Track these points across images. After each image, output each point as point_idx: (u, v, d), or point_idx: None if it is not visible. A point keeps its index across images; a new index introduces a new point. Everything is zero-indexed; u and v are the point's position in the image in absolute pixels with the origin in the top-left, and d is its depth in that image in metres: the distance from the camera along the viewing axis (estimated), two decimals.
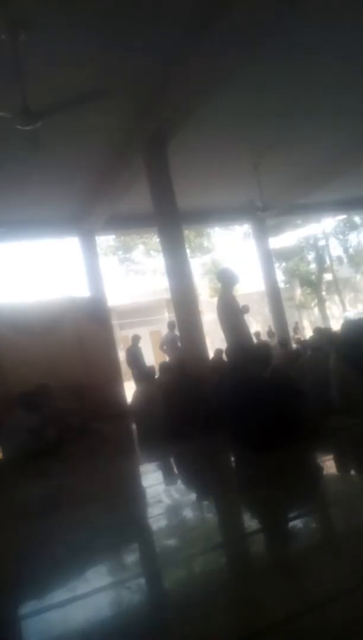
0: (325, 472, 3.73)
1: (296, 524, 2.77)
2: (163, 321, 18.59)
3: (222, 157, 8.26)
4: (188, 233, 19.69)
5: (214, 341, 12.00)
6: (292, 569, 2.18)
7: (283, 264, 25.56)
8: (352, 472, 3.74)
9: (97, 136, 6.86)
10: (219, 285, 6.86)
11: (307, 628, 1.69)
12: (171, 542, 2.80)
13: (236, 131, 7.36)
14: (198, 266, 23.68)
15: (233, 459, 4.62)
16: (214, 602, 1.99)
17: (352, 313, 22.48)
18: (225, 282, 6.35)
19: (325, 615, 1.73)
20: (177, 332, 8.23)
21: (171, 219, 7.00)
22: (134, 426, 6.56)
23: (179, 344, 8.54)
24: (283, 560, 2.34)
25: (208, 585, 2.18)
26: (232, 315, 6.08)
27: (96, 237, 11.25)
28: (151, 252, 23.43)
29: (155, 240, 19.28)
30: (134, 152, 7.20)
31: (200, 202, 10.22)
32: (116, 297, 21.56)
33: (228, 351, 6.29)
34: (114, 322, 14.88)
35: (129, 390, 8.07)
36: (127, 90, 5.76)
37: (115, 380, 8.64)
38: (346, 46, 5.72)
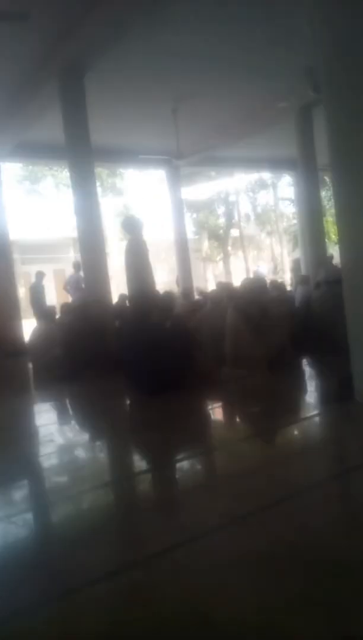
0: (211, 418, 3.98)
1: (181, 465, 2.96)
2: (69, 260, 18.08)
3: (141, 96, 7.97)
4: (101, 171, 18.97)
5: (120, 285, 11.94)
6: (173, 506, 2.35)
7: (194, 215, 25.68)
8: (236, 419, 4.03)
9: (9, 51, 6.26)
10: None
11: (181, 558, 1.85)
12: (60, 479, 2.88)
13: (157, 72, 7.11)
14: (108, 207, 23.06)
15: (127, 402, 4.75)
16: (98, 536, 2.10)
17: (264, 268, 23.19)
18: (130, 230, 6.22)
19: (198, 547, 1.91)
20: (82, 274, 8.07)
21: (83, 153, 6.69)
22: (30, 365, 6.46)
23: (83, 286, 8.40)
24: (166, 498, 2.51)
25: (93, 520, 2.30)
26: (139, 261, 6.04)
27: (1, 163, 10.49)
28: (61, 186, 22.35)
29: (65, 173, 18.38)
30: (49, 75, 6.70)
31: (115, 140, 9.85)
32: (20, 230, 20.46)
33: (131, 297, 6.31)
34: (16, 256, 14.21)
35: (29, 328, 7.86)
36: (48, 9, 5.28)
37: (12, 316, 8.37)
38: (271, 4, 5.65)
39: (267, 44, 6.64)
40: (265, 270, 20.52)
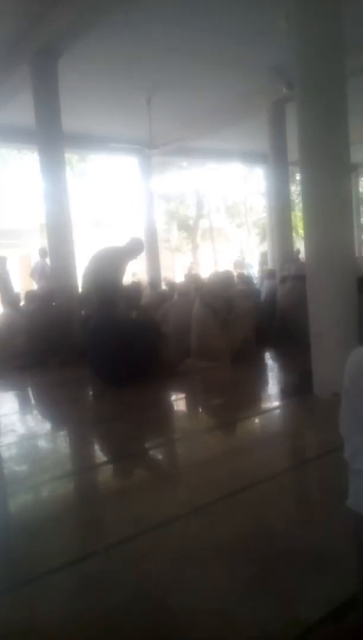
0: (174, 409, 4.02)
1: (143, 456, 2.99)
2: (35, 246, 17.73)
3: (115, 84, 7.87)
4: (71, 157, 18.64)
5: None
6: (133, 496, 2.38)
7: (164, 205, 25.54)
8: (199, 411, 4.08)
9: None
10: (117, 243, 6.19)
11: (140, 548, 1.89)
12: (21, 469, 2.87)
13: (132, 61, 7.03)
14: (78, 193, 22.68)
15: (90, 392, 4.74)
16: (58, 527, 2.12)
17: (242, 257, 23.09)
18: (129, 246, 5.69)
19: (157, 537, 1.95)
20: (48, 260, 7.95)
21: (53, 138, 6.57)
22: None
23: (49, 273, 8.28)
24: (126, 489, 2.53)
25: (54, 511, 2.31)
26: (112, 267, 5.65)
27: None
28: (29, 171, 21.84)
29: (34, 157, 17.96)
30: (22, 57, 6.54)
31: (87, 126, 9.70)
32: None
33: (97, 287, 6.25)
34: None
35: None
36: None
37: None
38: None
39: (242, 39, 6.64)
40: (251, 261, 20.02)
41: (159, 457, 3.00)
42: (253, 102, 9.17)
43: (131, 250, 5.62)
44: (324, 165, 3.56)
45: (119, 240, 5.94)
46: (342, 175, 3.66)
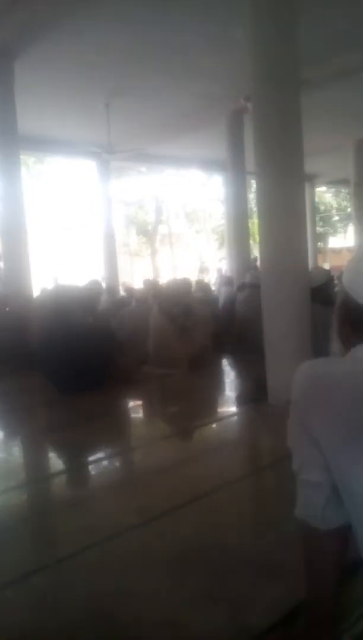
0: (130, 417, 4.00)
1: (97, 465, 2.96)
2: None
3: (73, 88, 7.79)
4: (27, 158, 18.31)
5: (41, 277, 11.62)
6: (87, 507, 2.35)
7: (123, 210, 25.44)
8: (155, 418, 4.07)
9: None
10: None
11: (92, 560, 1.86)
12: None
13: (91, 65, 6.96)
14: (34, 195, 22.29)
15: (44, 400, 4.64)
16: (8, 539, 2.06)
17: (207, 264, 23.05)
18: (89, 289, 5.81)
19: (109, 548, 1.93)
20: (1, 264, 7.78)
21: (8, 139, 6.46)
22: None
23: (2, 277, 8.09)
24: (80, 499, 2.49)
25: (5, 523, 2.25)
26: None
27: None
28: None
29: None
30: None
31: (45, 129, 9.57)
32: None
33: (54, 291, 6.16)
34: None
35: None
36: None
37: None
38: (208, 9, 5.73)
39: (201, 48, 6.71)
40: (212, 266, 19.42)
41: (115, 466, 2.97)
42: (212, 111, 9.28)
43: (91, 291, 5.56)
44: (278, 176, 3.63)
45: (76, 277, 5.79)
46: (296, 185, 3.74)
